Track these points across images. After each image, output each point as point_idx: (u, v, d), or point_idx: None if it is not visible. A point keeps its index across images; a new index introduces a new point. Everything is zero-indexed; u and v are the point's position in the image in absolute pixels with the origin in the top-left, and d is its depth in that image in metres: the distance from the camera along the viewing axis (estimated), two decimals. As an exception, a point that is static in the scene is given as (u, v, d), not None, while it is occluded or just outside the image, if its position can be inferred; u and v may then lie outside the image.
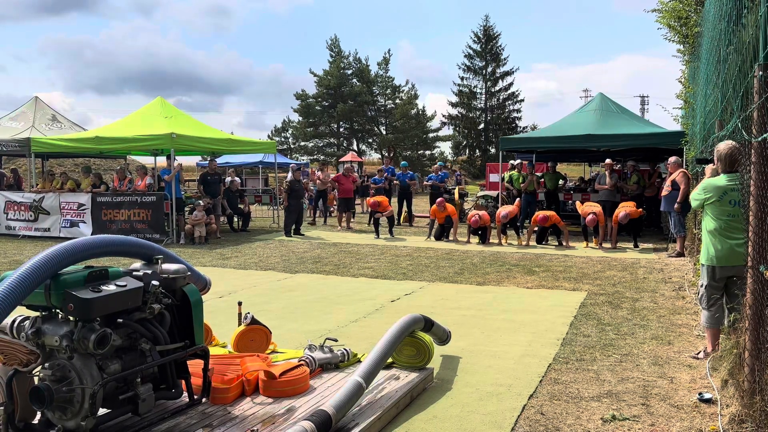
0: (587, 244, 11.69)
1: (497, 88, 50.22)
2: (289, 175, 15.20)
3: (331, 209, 18.54)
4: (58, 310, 3.12)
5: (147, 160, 19.96)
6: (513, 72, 50.09)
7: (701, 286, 4.77)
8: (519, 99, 50.64)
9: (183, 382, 3.58)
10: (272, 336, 4.79)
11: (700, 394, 4.04)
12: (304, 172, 19.30)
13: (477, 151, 51.15)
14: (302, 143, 50.44)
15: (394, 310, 6.62)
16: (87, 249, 3.22)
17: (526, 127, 48.93)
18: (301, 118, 49.90)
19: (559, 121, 15.68)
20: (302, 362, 4.14)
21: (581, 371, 4.61)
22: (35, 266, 2.90)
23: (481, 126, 50.73)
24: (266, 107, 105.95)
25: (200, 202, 13.42)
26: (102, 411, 3.13)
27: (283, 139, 50.23)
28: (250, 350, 4.51)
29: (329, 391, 3.84)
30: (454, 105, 50.56)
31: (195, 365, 3.67)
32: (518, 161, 15.65)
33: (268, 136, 50.46)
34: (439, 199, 13.21)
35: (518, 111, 50.88)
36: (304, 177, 17.75)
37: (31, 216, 13.97)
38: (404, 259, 10.27)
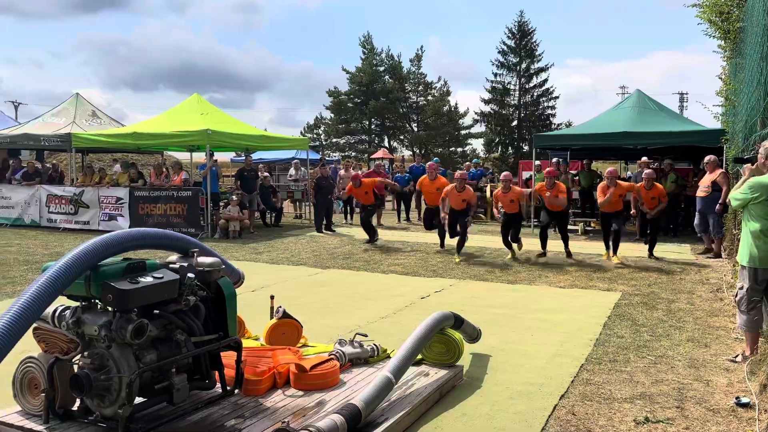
0: (607, 255, 9.95)
1: (531, 84, 49.56)
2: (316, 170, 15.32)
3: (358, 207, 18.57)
4: (97, 301, 3.21)
5: (184, 156, 20.36)
6: (547, 68, 49.30)
7: (741, 288, 4.64)
8: (553, 95, 49.86)
9: (216, 373, 3.65)
10: (303, 330, 4.84)
11: (737, 398, 3.94)
12: (335, 169, 19.35)
13: (509, 148, 50.61)
14: (334, 140, 50.67)
15: (424, 306, 6.62)
16: (125, 242, 3.30)
17: (561, 124, 48.17)
18: (333, 115, 50.11)
19: (594, 118, 15.42)
20: (332, 356, 4.18)
21: (614, 372, 4.54)
22: (76, 258, 2.99)
23: (514, 123, 50.14)
24: (297, 104, 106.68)
25: (233, 197, 13.62)
26: (138, 400, 3.22)
27: (315, 136, 50.54)
28: (281, 343, 4.57)
29: (359, 386, 3.86)
30: (486, 102, 50.06)
31: (228, 357, 3.74)
32: (538, 162, 15.44)
33: (301, 132, 50.86)
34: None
35: (552, 108, 50.06)
36: (334, 174, 17.82)
37: (71, 209, 14.36)
38: (435, 257, 10.25)
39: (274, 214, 15.80)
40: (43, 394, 3.26)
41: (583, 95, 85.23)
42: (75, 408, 3.34)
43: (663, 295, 7.32)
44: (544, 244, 10.23)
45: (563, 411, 3.81)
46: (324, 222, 14.11)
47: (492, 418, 3.69)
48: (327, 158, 33.99)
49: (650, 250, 10.33)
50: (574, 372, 4.52)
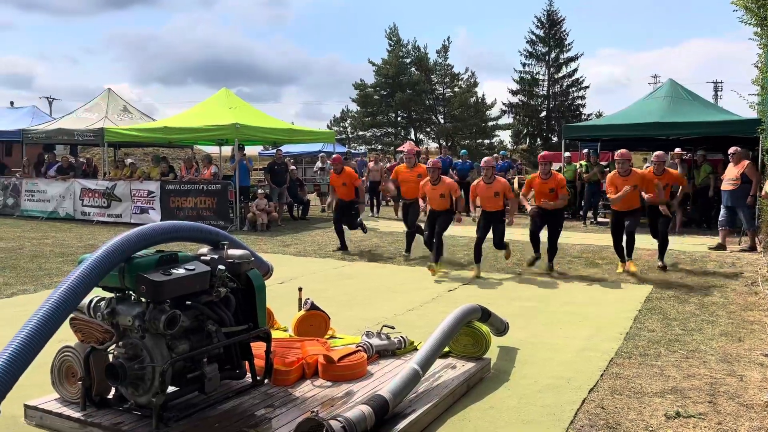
0: (622, 268, 8.09)
1: (561, 74, 48.83)
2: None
3: (387, 200, 18.56)
4: (131, 292, 3.29)
5: (213, 150, 20.60)
6: (577, 58, 48.54)
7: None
8: (583, 85, 49.08)
9: (247, 363, 3.71)
10: (330, 322, 4.88)
11: (772, 394, 3.86)
12: (362, 162, 19.37)
13: (538, 139, 50.02)
14: (360, 133, 50.73)
15: (451, 299, 6.61)
16: (158, 234, 3.37)
17: (591, 114, 47.43)
18: (359, 108, 50.16)
19: (626, 108, 15.14)
20: (360, 348, 4.21)
21: (645, 366, 4.48)
22: (110, 250, 3.06)
23: (543, 114, 49.53)
24: (323, 97, 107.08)
25: (259, 190, 13.75)
26: (171, 389, 3.29)
27: (341, 129, 50.67)
28: (309, 335, 4.62)
29: (386, 377, 3.89)
30: (514, 92, 49.52)
31: (258, 347, 3.80)
32: (567, 154, 15.22)
33: (327, 125, 51.02)
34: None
35: (582, 98, 49.32)
36: (361, 167, 17.83)
37: (104, 203, 14.68)
38: (462, 249, 10.22)
39: (301, 207, 15.92)
40: (80, 383, 3.36)
41: (614, 85, 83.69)
42: (110, 396, 3.43)
43: (696, 288, 7.19)
44: (536, 246, 8.26)
45: (592, 405, 3.78)
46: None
47: (520, 411, 3.68)
48: (353, 151, 34.07)
49: (660, 255, 8.28)
50: (603, 366, 4.48)
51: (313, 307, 4.86)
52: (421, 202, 8.47)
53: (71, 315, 3.38)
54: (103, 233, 12.51)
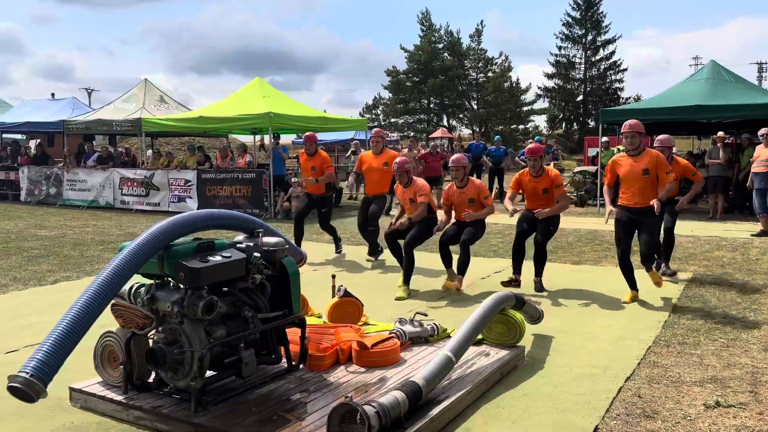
0: (632, 296, 5.88)
1: (598, 57, 47.82)
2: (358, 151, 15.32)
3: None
4: (170, 279, 3.37)
5: (248, 139, 20.84)
6: (615, 40, 47.45)
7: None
8: (621, 68, 48.00)
9: (282, 348, 3.77)
10: (363, 309, 4.92)
11: (818, 384, 3.75)
12: (400, 148, 19.31)
13: (574, 124, 49.16)
14: (393, 120, 50.62)
15: (485, 287, 6.58)
16: (195, 222, 3.44)
17: (629, 98, 46.36)
18: (391, 95, 50.02)
19: (665, 91, 14.73)
20: (393, 335, 4.23)
21: (683, 355, 4.40)
22: (150, 238, 3.14)
23: (580, 98, 48.61)
24: (355, 84, 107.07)
25: (293, 179, 13.86)
26: (209, 373, 3.37)
27: (373, 116, 50.64)
28: (343, 321, 4.67)
29: (419, 364, 3.90)
30: (550, 76, 48.71)
31: (293, 333, 3.85)
32: (606, 139, 14.87)
33: (360, 113, 51.05)
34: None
35: (620, 81, 48.27)
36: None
37: (143, 191, 15.01)
38: (495, 236, 10.14)
39: (334, 195, 16.01)
40: (122, 367, 3.46)
41: (654, 67, 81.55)
42: (151, 380, 3.54)
43: (737, 275, 6.99)
44: (517, 265, 6.51)
45: (629, 393, 3.73)
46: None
47: (555, 399, 3.66)
48: (387, 139, 33.96)
49: (665, 262, 6.83)
50: (640, 354, 4.41)
51: (346, 294, 4.90)
52: (442, 215, 6.65)
53: (112, 301, 3.48)
54: (142, 221, 12.81)
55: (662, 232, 6.42)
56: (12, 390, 2.57)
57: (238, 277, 3.48)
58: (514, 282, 6.44)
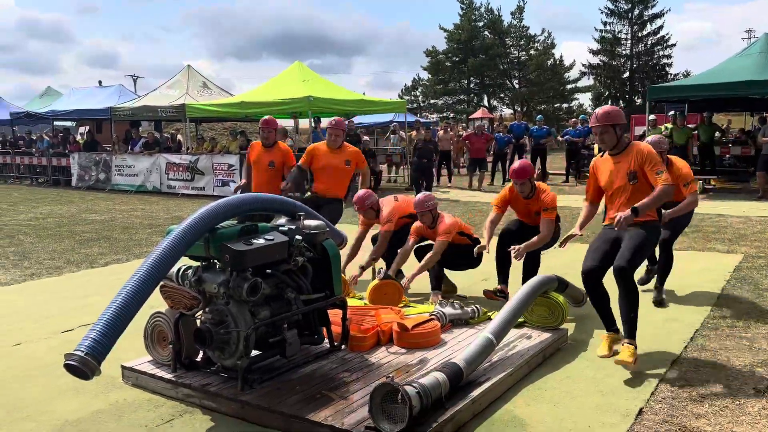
0: (607, 343, 4.01)
1: (645, 32, 46.16)
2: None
3: (461, 164, 18.32)
4: (216, 261, 3.45)
5: (288, 123, 21.01)
6: (663, 14, 45.65)
7: None
8: (670, 43, 46.25)
9: (324, 329, 3.83)
10: (404, 291, 4.94)
11: None
12: (434, 131, 19.15)
13: (620, 102, 47.75)
14: (432, 101, 50.17)
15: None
16: (239, 206, 3.51)
17: (678, 74, 44.69)
18: (430, 76, 49.51)
19: (716, 66, 14.15)
20: (434, 317, 4.25)
21: (732, 338, 4.28)
22: (196, 222, 3.22)
23: (626, 74, 47.14)
24: (394, 66, 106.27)
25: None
26: (254, 352, 3.46)
27: (413, 98, 50.27)
28: (383, 303, 4.71)
29: (460, 346, 3.91)
30: (594, 53, 47.33)
31: (334, 315, 3.91)
32: (653, 117, 14.39)
33: (399, 95, 50.77)
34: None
35: (668, 57, 46.51)
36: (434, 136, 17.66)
37: (188, 176, 15.35)
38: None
39: (373, 178, 16.04)
40: (171, 346, 3.58)
41: (703, 42, 78.27)
42: (199, 359, 3.65)
43: (792, 257, 6.74)
44: (503, 271, 5.36)
45: (675, 376, 3.66)
46: (424, 186, 14.08)
47: (598, 381, 3.62)
48: (424, 120, 33.78)
49: (659, 281, 5.30)
50: (687, 338, 4.31)
51: (387, 276, 4.93)
52: (485, 241, 5.13)
53: (161, 283, 3.60)
54: (188, 205, 13.12)
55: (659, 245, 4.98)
56: (68, 367, 2.69)
57: (281, 259, 3.55)
58: (500, 293, 5.24)
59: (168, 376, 3.53)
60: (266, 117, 6.51)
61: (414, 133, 16.07)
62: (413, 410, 2.78)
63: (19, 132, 22.76)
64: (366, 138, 16.70)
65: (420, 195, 5.30)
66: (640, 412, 3.22)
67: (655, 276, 5.37)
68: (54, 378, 3.74)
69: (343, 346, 3.89)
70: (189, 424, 3.18)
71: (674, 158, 5.18)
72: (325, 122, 21.97)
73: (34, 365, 4.01)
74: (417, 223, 5.33)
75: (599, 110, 4.12)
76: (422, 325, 4.02)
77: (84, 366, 2.64)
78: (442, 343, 4.00)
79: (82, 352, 2.65)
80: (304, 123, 18.57)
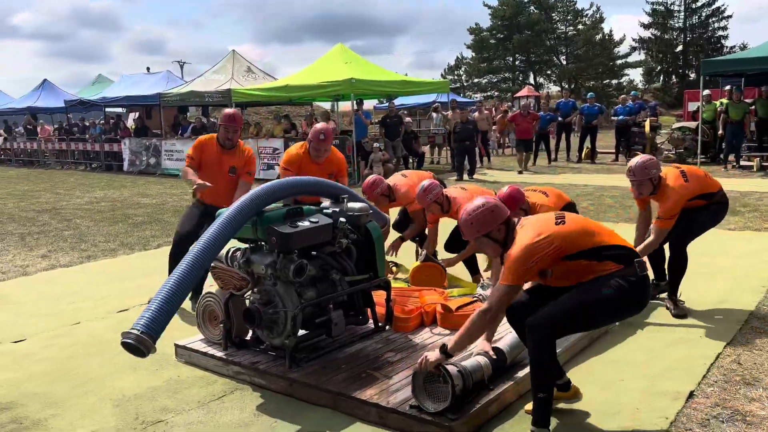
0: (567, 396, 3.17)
1: (698, 3, 44.19)
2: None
3: (504, 144, 18.00)
4: (263, 243, 3.54)
5: (330, 105, 21.13)
6: (719, -17, 43.64)
7: None
8: (725, 15, 44.18)
9: (369, 310, 3.89)
10: (446, 274, 4.94)
11: None
12: (474, 110, 18.90)
13: (673, 77, 46.03)
14: (476, 80, 49.43)
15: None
16: (284, 189, 3.58)
17: (734, 46, 42.70)
18: (474, 54, 48.73)
19: (775, 37, 13.46)
20: (477, 299, 4.24)
21: (791, 322, 4.13)
22: (244, 205, 3.31)
23: (679, 48, 45.34)
24: (436, 46, 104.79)
25: (375, 144, 13.95)
26: (301, 332, 3.54)
27: (456, 77, 49.62)
28: (426, 285, 4.72)
29: (501, 328, 3.90)
30: (646, 26, 45.65)
31: (378, 296, 3.95)
32: (707, 92, 13.80)
33: (441, 74, 50.22)
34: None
35: (724, 29, 44.44)
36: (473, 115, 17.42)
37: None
38: (585, 199, 9.81)
39: (416, 160, 15.99)
40: (222, 325, 3.70)
41: (763, 12, 74.30)
42: (248, 338, 3.76)
43: None
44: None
45: (728, 360, 3.57)
46: (467, 168, 13.91)
47: (647, 365, 3.56)
48: (466, 99, 33.35)
49: (671, 289, 4.49)
50: (742, 319, 4.18)
51: (428, 258, 4.94)
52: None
53: (212, 264, 3.71)
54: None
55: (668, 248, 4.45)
56: (125, 345, 2.82)
57: (326, 241, 3.60)
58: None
59: (219, 354, 3.65)
60: (231, 111, 5.06)
61: (450, 113, 15.87)
62: (455, 389, 2.80)
63: (73, 119, 23.57)
64: (408, 119, 16.64)
65: (418, 189, 4.70)
66: (691, 395, 3.16)
67: (665, 286, 4.59)
68: (112, 355, 3.92)
69: (387, 327, 3.94)
70: (240, 401, 3.29)
71: (669, 184, 4.24)
72: (368, 104, 22.01)
73: (93, 343, 4.21)
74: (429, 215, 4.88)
75: (635, 164, 4.26)
76: (466, 307, 4.03)
77: (140, 344, 2.75)
78: (486, 325, 3.99)
79: (138, 330, 2.77)
80: (345, 105, 18.66)
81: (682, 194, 4.22)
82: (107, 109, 22.53)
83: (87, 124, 22.66)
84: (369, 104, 26.82)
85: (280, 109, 21.82)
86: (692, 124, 14.82)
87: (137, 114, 22.44)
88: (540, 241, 2.74)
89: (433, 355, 2.83)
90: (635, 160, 4.30)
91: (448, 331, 3.89)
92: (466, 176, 13.33)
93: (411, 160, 15.97)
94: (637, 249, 3.82)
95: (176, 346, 3.88)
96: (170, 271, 4.41)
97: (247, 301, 3.64)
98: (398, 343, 3.73)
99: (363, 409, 3.01)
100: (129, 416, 3.16)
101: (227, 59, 18.37)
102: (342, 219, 3.65)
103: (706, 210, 4.38)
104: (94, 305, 5.09)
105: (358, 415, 3.03)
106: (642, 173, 4.21)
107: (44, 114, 25.24)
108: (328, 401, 3.14)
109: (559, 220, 2.86)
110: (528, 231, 2.81)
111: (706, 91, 14.11)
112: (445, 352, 2.80)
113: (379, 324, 3.92)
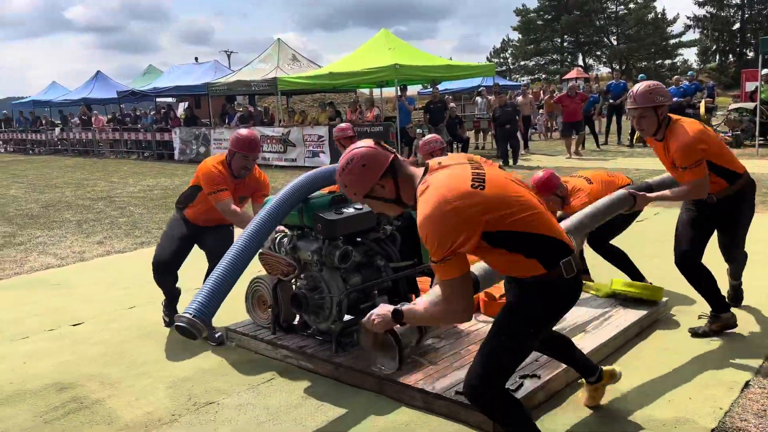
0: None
1: (758, -23, 42.10)
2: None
3: (551, 128, 17.61)
4: (309, 229, 3.58)
5: (374, 92, 21.11)
6: (781, -45, 41.39)
7: None
8: (788, -12, 41.91)
9: (413, 296, 3.89)
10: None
11: None
12: (518, 94, 18.52)
13: (730, 56, 44.12)
14: (522, 63, 48.54)
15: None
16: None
17: (798, 22, 40.56)
18: (520, 36, 47.82)
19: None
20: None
21: None
22: (291, 192, 3.36)
23: (736, 26, 43.36)
24: (481, 29, 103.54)
25: (419, 130, 13.89)
26: (347, 317, 3.58)
27: (501, 60, 48.82)
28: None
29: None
30: (700, 4, 43.79)
31: (422, 282, 3.96)
32: (766, 71, 13.11)
33: (487, 58, 49.47)
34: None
35: (787, 3, 42.27)
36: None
37: (280, 148, 15.84)
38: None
39: (461, 145, 15.85)
40: (270, 310, 3.78)
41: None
42: (295, 322, 3.83)
43: None
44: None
45: (787, 351, 3.43)
46: (510, 153, 13.67)
47: (700, 354, 3.46)
48: (514, 83, 32.79)
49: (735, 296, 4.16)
50: (803, 309, 4.01)
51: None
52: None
53: (260, 250, 3.78)
54: (280, 177, 13.56)
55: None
56: (178, 328, 2.92)
57: (370, 227, 3.63)
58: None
59: (268, 337, 3.73)
60: (250, 136, 4.18)
61: (493, 97, 15.62)
62: (402, 353, 2.76)
63: (125, 109, 24.32)
64: (452, 105, 16.47)
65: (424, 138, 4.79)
66: (747, 384, 3.06)
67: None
68: (165, 339, 4.06)
69: (432, 313, 3.93)
70: (288, 383, 3.36)
71: (682, 121, 3.49)
72: (411, 90, 21.84)
73: (147, 326, 4.37)
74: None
75: (637, 88, 3.49)
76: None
77: (192, 327, 2.84)
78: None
79: (191, 314, 2.86)
80: (388, 92, 18.63)
81: (700, 137, 3.35)
82: (158, 99, 23.12)
83: (138, 114, 23.34)
84: (413, 90, 26.71)
85: (324, 97, 21.92)
86: (750, 105, 14.16)
87: (186, 103, 22.98)
88: (454, 205, 2.04)
89: (385, 316, 2.38)
90: (639, 84, 3.52)
91: (492, 319, 3.86)
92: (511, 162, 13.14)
93: (456, 146, 15.84)
94: (666, 193, 3.49)
95: (227, 330, 3.98)
96: (164, 292, 4.27)
97: (294, 287, 3.70)
98: (442, 330, 3.73)
99: (408, 394, 3.03)
100: (182, 397, 3.27)
101: (273, 48, 18.55)
102: (386, 205, 3.65)
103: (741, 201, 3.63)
104: (147, 290, 5.25)
105: (403, 399, 3.05)
106: (644, 99, 3.37)
107: (98, 105, 26.14)
108: (374, 385, 3.18)
109: (477, 184, 2.11)
110: (431, 193, 2.09)
111: (765, 71, 13.44)
112: (398, 319, 2.35)
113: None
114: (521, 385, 2.95)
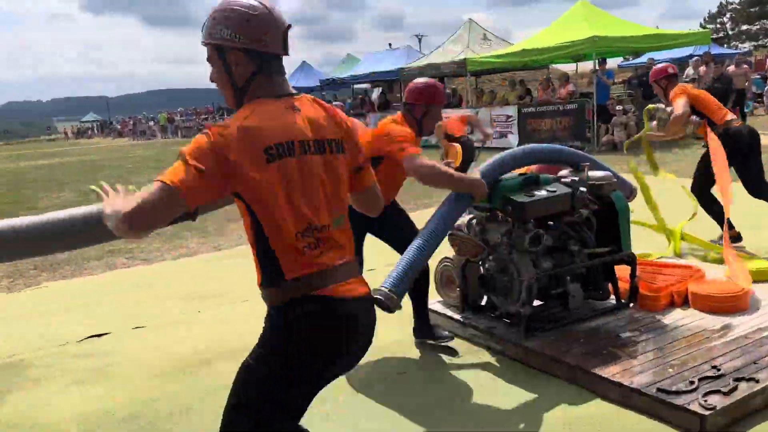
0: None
1: None
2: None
3: None
4: (499, 212, 3.57)
5: (569, 67, 20.10)
6: None
7: None
8: None
9: (610, 285, 3.70)
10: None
11: None
12: (729, 64, 16.10)
13: None
14: (744, 27, 42.58)
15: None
16: (520, 157, 3.56)
17: None
18: (744, -3, 41.92)
19: None
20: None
21: None
22: (482, 174, 3.37)
23: None
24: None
25: (619, 107, 12.92)
26: (536, 303, 3.51)
27: (718, 26, 43.32)
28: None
29: (776, 313, 3.40)
30: None
31: (621, 270, 3.73)
32: None
33: (701, 24, 44.22)
34: None
35: None
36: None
37: (468, 129, 15.86)
38: None
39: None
40: (458, 290, 3.85)
41: None
42: (483, 303, 3.85)
43: None
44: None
45: None
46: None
47: None
48: (734, 51, 28.94)
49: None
50: None
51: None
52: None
53: (449, 231, 3.86)
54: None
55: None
56: (376, 301, 3.10)
57: (563, 211, 3.49)
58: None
59: (457, 316, 3.81)
60: (432, 81, 3.60)
61: (703, 68, 13.80)
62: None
63: (326, 96, 26.15)
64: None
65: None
66: None
67: None
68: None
69: (631, 304, 3.70)
70: (476, 362, 3.41)
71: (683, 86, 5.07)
72: (611, 62, 20.40)
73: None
74: None
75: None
76: (725, 288, 3.60)
77: (388, 300, 3.00)
78: (752, 308, 3.52)
79: (387, 288, 3.02)
80: (583, 66, 17.57)
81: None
82: (354, 86, 24.48)
83: (337, 101, 24.96)
84: (614, 63, 24.90)
85: (514, 75, 21.43)
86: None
87: (380, 89, 24.04)
88: None
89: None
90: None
91: (702, 315, 3.51)
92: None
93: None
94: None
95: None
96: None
97: (482, 268, 3.71)
98: (644, 322, 3.48)
99: (603, 386, 2.89)
100: (379, 365, 3.46)
101: (464, 29, 18.54)
102: (582, 188, 3.49)
103: None
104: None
105: (597, 391, 2.92)
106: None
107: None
108: (565, 374, 3.08)
109: None
110: None
111: None
112: None
113: (622, 300, 3.70)
114: (735, 388, 2.66)
